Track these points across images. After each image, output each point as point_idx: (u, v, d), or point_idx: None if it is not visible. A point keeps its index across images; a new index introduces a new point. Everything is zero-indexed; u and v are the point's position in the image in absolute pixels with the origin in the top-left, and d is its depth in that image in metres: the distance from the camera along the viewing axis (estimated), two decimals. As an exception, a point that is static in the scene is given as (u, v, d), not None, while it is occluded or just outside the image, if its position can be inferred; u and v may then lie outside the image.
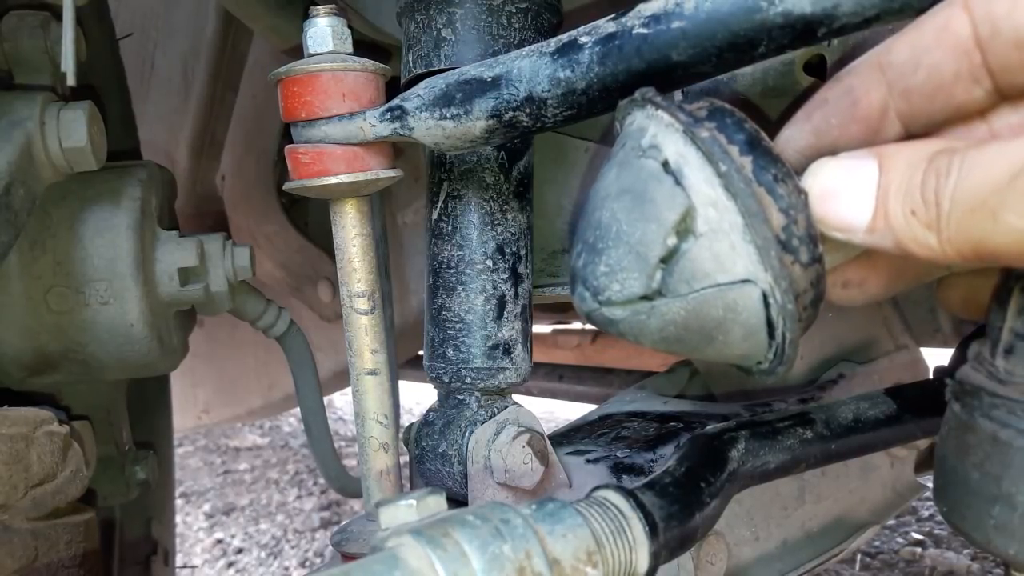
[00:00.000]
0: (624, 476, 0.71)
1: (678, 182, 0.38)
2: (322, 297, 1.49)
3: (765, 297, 0.38)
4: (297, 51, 0.61)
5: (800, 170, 0.39)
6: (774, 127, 0.43)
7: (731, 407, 0.86)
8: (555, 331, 2.43)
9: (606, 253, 0.40)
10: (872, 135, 0.40)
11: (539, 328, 2.43)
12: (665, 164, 0.39)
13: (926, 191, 0.35)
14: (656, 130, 0.40)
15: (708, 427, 0.63)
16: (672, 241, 0.38)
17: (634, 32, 0.44)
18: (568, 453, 0.74)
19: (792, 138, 0.43)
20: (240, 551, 2.62)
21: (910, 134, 0.40)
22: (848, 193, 0.37)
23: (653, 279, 0.39)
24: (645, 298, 0.40)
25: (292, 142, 0.58)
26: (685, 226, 0.38)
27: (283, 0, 0.94)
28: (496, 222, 0.66)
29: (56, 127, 0.72)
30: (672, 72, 0.44)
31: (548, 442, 0.65)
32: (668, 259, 0.39)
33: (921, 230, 0.35)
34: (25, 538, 0.64)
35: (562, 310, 1.92)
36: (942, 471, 0.43)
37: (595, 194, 0.42)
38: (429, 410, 0.69)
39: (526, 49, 0.50)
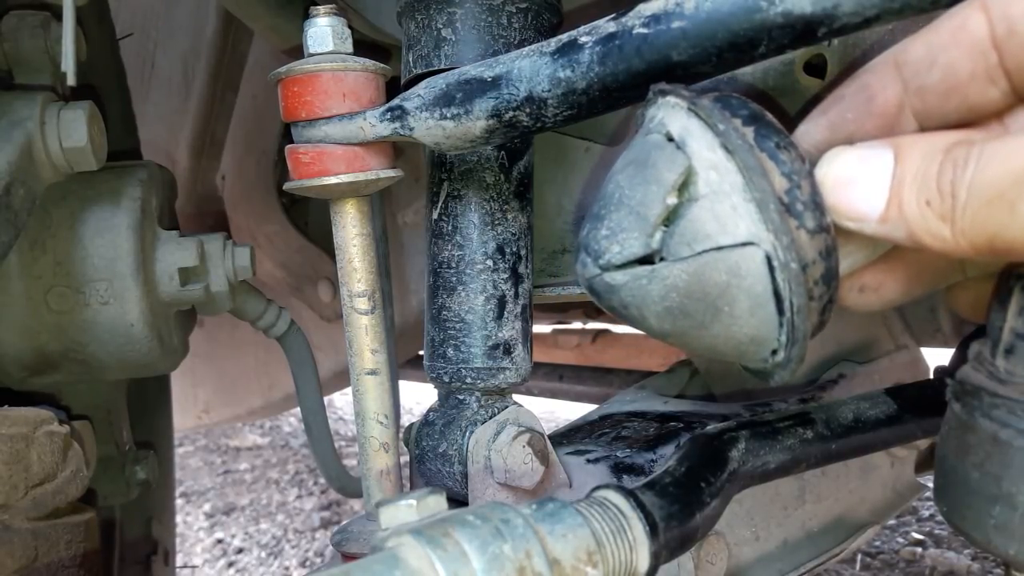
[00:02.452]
0: (624, 476, 0.71)
1: (679, 148, 0.39)
2: (322, 297, 1.49)
3: (769, 260, 0.37)
4: (297, 51, 0.61)
5: (815, 164, 0.39)
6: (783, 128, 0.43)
7: (731, 407, 0.86)
8: (555, 331, 2.43)
9: (608, 217, 0.40)
10: (887, 132, 0.40)
11: (539, 328, 2.43)
12: (668, 136, 0.39)
13: (942, 182, 0.34)
14: (664, 113, 0.41)
15: (708, 427, 0.63)
16: (672, 200, 0.38)
17: (634, 32, 0.44)
18: (568, 453, 0.74)
19: (808, 132, 0.43)
20: (240, 551, 2.62)
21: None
22: (862, 181, 0.37)
23: (653, 239, 0.39)
24: (646, 260, 0.39)
25: (292, 142, 0.58)
26: (686, 189, 0.38)
27: (283, 0, 0.94)
28: (496, 222, 0.66)
29: (56, 127, 0.72)
30: (672, 72, 0.44)
31: (548, 442, 0.65)
32: (669, 221, 0.39)
33: (935, 221, 0.35)
34: (25, 538, 0.64)
35: (562, 310, 1.92)
36: (942, 471, 0.43)
37: (606, 176, 0.43)
38: (429, 410, 0.69)
39: (526, 49, 0.50)
